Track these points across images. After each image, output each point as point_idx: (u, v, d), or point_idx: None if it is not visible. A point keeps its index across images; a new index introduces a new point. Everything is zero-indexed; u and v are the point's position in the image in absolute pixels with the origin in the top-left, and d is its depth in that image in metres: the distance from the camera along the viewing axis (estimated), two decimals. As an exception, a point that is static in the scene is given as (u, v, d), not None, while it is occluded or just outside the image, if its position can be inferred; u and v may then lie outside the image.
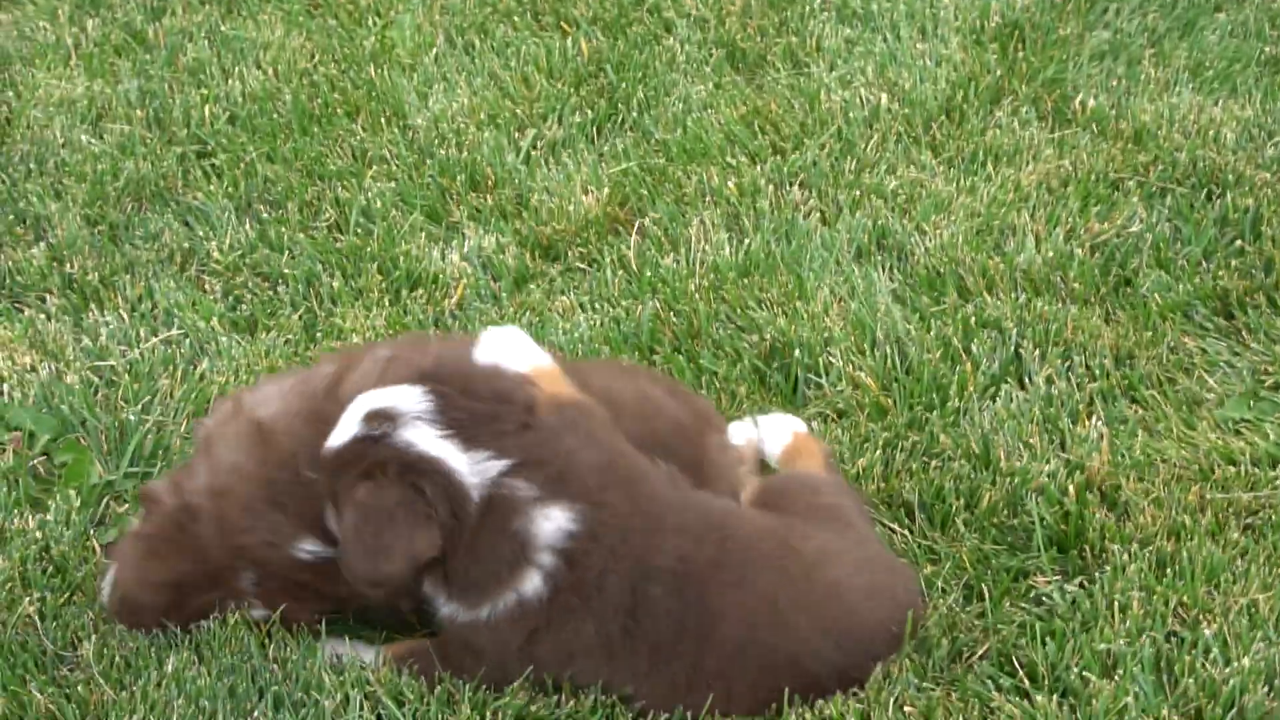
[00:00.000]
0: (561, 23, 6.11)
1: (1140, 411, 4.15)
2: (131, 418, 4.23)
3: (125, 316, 4.62)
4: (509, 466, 3.25)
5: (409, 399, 3.29)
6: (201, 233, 4.98)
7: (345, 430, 3.30)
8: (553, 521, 3.26)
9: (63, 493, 4.02)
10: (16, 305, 4.71)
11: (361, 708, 3.36)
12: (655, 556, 3.32)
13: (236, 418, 3.59)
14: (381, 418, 3.28)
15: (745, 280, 4.63)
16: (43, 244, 4.94)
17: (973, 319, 4.42)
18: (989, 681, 3.41)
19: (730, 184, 5.08)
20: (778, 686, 3.34)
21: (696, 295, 4.57)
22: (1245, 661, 3.35)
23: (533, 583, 3.28)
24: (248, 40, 6.08)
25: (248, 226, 5.02)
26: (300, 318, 4.61)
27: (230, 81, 5.82)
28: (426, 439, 3.25)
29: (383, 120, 5.54)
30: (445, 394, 3.30)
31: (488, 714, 3.36)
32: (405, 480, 3.24)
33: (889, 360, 4.30)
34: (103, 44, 6.17)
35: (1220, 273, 4.56)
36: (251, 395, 3.67)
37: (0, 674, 3.48)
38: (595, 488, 3.31)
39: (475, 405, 3.31)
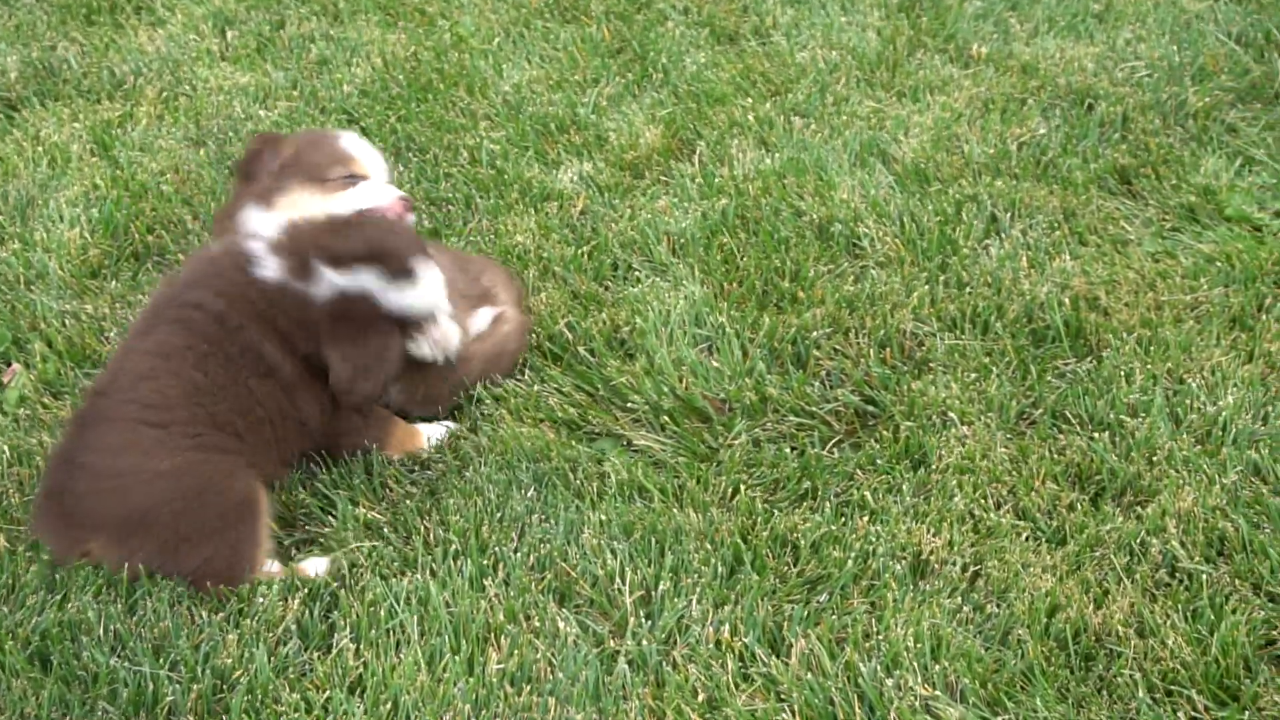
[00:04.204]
0: (580, 16, 6.03)
1: (1091, 249, 4.27)
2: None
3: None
4: None
5: None
6: (371, 174, 4.85)
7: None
8: None
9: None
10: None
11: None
12: None
13: None
14: None
15: (785, 181, 4.65)
16: (257, 189, 4.78)
17: (955, 195, 4.51)
18: (1053, 428, 3.54)
19: (750, 116, 5.09)
20: None
21: (756, 194, 4.59)
22: (1229, 399, 3.52)
23: None
24: (355, 41, 5.91)
25: (407, 167, 4.92)
26: (473, 228, 4.53)
27: (353, 69, 5.66)
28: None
29: (477, 89, 5.45)
30: None
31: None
32: None
33: (905, 226, 4.37)
34: (244, 48, 5.95)
35: (1115, 154, 4.70)
36: None
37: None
38: None
39: None
